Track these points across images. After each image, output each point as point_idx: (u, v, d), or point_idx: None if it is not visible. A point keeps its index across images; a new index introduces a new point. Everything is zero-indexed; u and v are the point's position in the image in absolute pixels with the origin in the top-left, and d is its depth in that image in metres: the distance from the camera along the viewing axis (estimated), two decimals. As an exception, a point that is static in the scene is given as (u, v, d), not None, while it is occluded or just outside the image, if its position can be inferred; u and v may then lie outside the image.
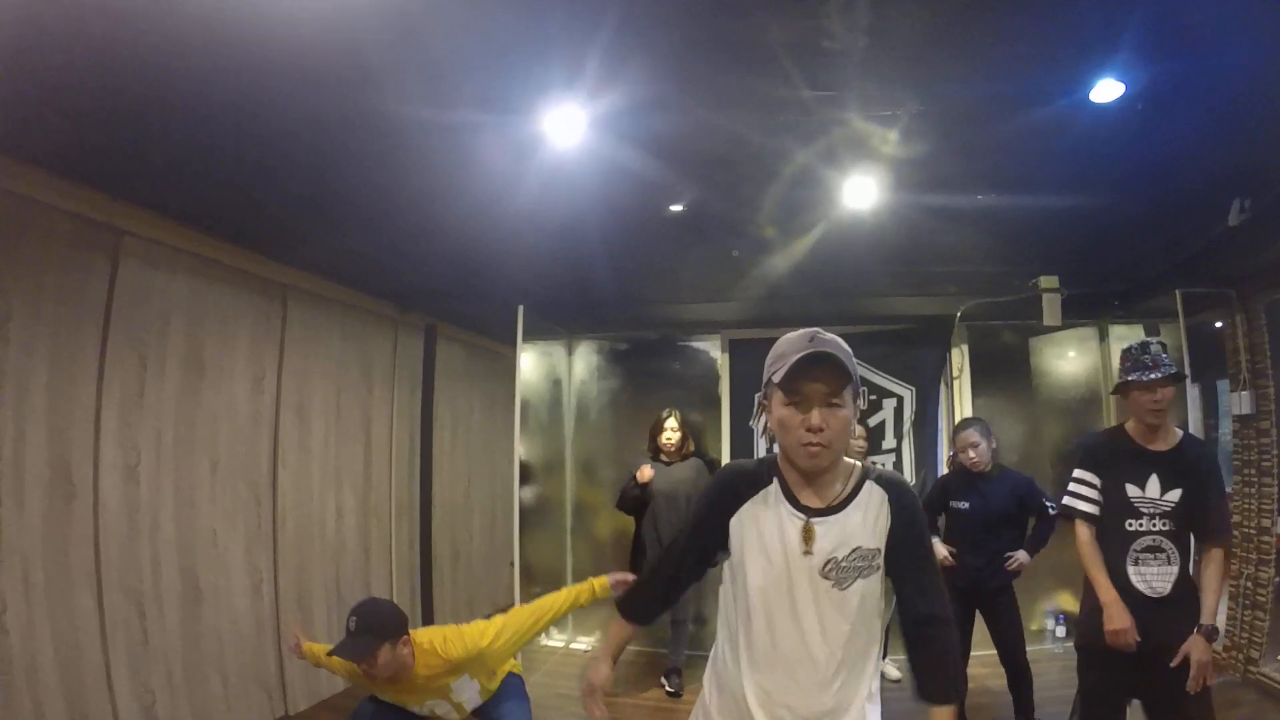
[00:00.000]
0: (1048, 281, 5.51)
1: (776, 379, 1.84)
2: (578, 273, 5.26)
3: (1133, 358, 3.12)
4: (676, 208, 4.15)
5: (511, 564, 5.46)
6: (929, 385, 6.24)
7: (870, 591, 1.90)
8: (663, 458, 5.27)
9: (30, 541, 3.31)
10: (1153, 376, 3.01)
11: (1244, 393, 5.24)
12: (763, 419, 2.02)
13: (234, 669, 4.32)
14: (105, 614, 3.61)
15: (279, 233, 4.28)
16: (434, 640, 3.23)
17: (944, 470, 5.90)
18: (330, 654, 3.20)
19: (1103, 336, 6.44)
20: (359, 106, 2.93)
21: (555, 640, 6.45)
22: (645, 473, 5.14)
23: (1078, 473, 3.22)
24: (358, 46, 2.52)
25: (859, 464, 2.00)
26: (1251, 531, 5.22)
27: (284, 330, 4.76)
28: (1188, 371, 5.10)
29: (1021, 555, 4.29)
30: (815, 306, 5.98)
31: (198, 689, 4.06)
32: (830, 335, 1.87)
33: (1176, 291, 5.25)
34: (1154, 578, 2.99)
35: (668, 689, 5.23)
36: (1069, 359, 6.49)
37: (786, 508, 1.94)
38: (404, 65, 2.70)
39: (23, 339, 3.30)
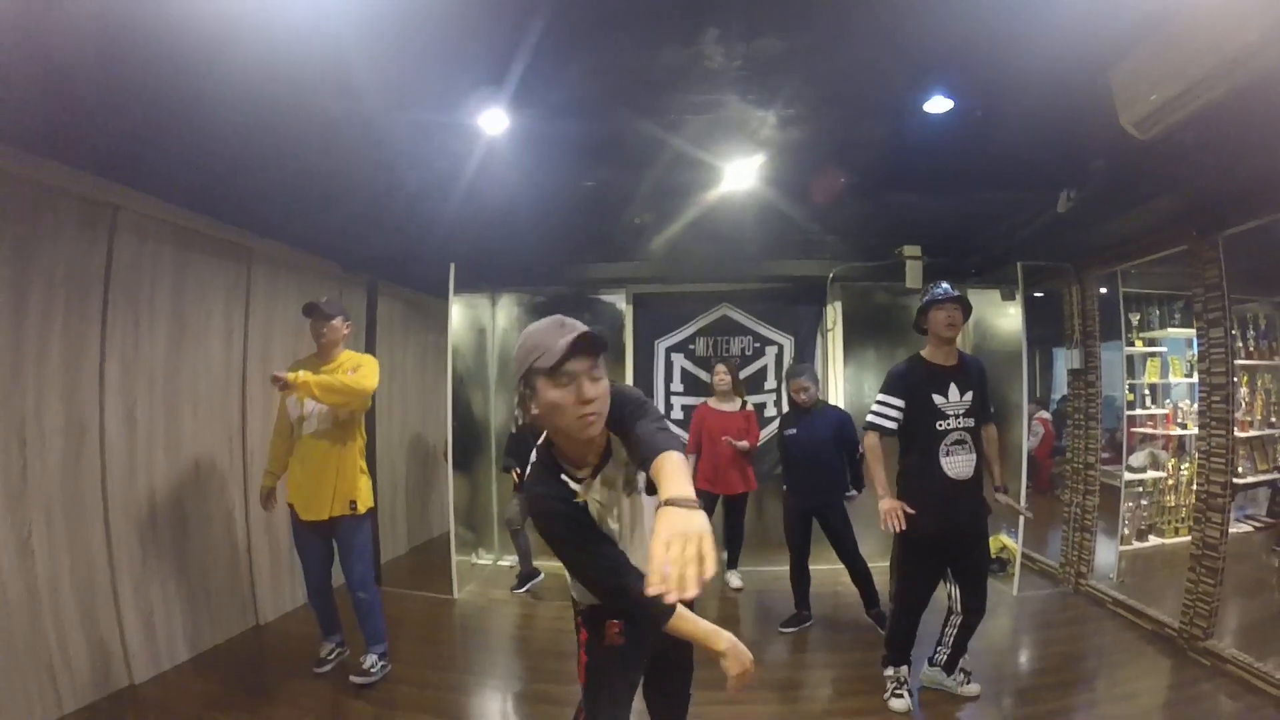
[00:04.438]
0: (910, 250, 6.38)
1: (543, 364, 1.95)
2: (503, 236, 5.87)
3: (928, 292, 4.00)
4: (589, 183, 4.85)
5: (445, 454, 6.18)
6: (806, 336, 7.09)
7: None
8: None
9: (51, 478, 3.88)
10: (944, 295, 3.91)
11: (1075, 350, 6.21)
12: (526, 410, 2.09)
13: (215, 586, 4.95)
14: (112, 539, 4.20)
15: (245, 204, 4.80)
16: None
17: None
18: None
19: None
20: (317, 103, 3.48)
21: (484, 559, 7.20)
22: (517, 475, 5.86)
23: (883, 397, 4.03)
24: (322, 55, 3.05)
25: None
26: (1080, 467, 6.19)
27: (249, 290, 5.30)
28: (1024, 335, 6.15)
29: (852, 492, 5.36)
30: (708, 266, 6.85)
31: (186, 604, 4.69)
32: (568, 320, 2.05)
33: (1018, 264, 6.12)
34: (960, 464, 3.85)
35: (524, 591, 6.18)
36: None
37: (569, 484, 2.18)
38: (357, 70, 3.24)
39: (41, 305, 3.84)
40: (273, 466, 4.57)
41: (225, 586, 5.07)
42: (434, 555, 6.59)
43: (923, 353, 4.07)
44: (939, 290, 3.96)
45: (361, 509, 4.42)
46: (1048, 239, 5.59)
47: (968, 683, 4.12)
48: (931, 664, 4.20)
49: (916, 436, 3.93)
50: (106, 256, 4.22)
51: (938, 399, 3.89)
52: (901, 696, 4.02)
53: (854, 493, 5.36)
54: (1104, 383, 6.16)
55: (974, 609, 4.01)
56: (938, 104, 3.71)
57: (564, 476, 2.18)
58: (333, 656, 4.62)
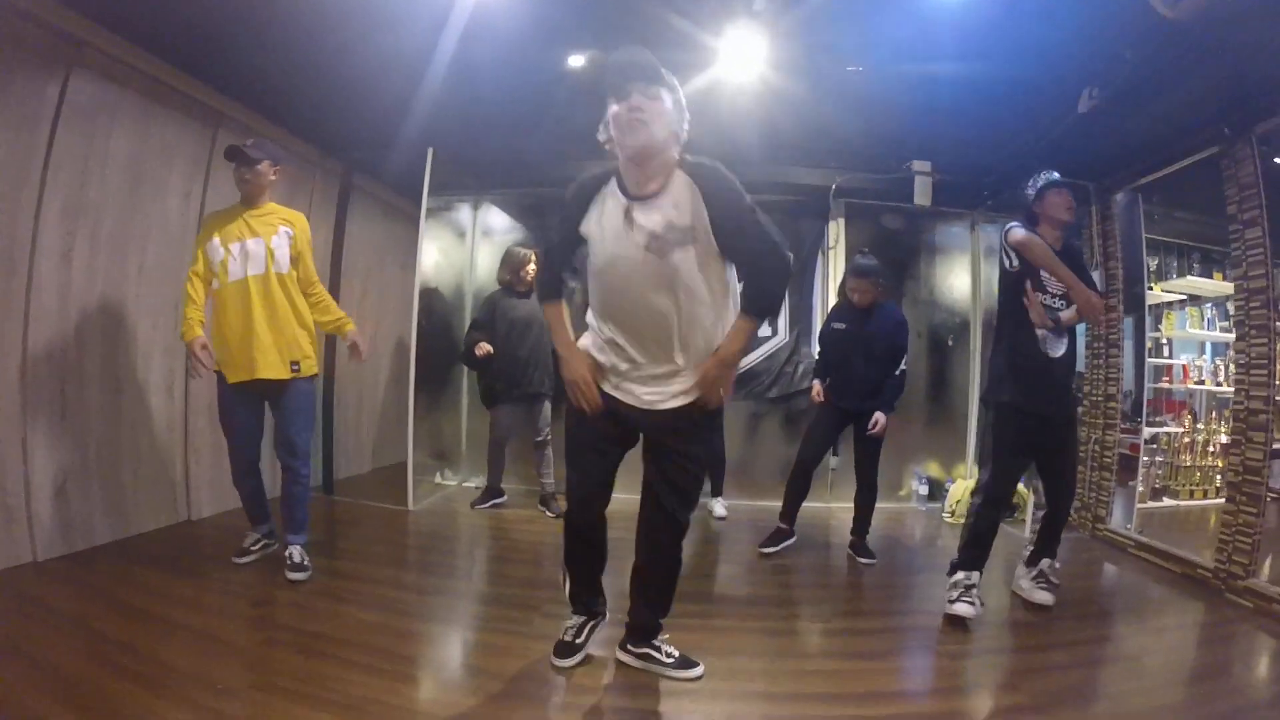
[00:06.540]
0: (920, 165, 6.12)
1: (611, 89, 2.44)
2: (484, 127, 5.58)
3: (1042, 180, 3.96)
4: (578, 61, 4.51)
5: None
6: (808, 254, 6.75)
7: (687, 260, 2.43)
8: (519, 289, 5.64)
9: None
10: (1062, 180, 3.92)
11: (1094, 273, 5.75)
12: (606, 131, 2.54)
13: (145, 468, 4.56)
14: (28, 386, 3.82)
15: (219, 63, 4.47)
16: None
17: (818, 326, 6.22)
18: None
19: (972, 228, 6.95)
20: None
21: (449, 480, 6.86)
22: (484, 348, 5.51)
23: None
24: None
25: (675, 161, 2.53)
26: (1099, 399, 5.84)
27: (212, 154, 4.88)
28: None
29: (880, 417, 4.74)
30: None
31: (110, 477, 4.30)
32: (639, 49, 2.45)
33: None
34: (1054, 343, 3.87)
35: (548, 514, 5.75)
36: (940, 244, 6.98)
37: (617, 196, 2.53)
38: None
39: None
40: (190, 311, 3.80)
41: (157, 470, 4.67)
42: (397, 476, 6.21)
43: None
44: (1054, 174, 3.95)
45: (305, 372, 3.99)
46: (1066, 155, 5.18)
47: (1039, 589, 4.07)
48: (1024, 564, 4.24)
49: (1021, 311, 3.89)
50: (60, 91, 3.88)
51: (1044, 274, 3.86)
52: (972, 603, 3.75)
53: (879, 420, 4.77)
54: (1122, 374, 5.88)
55: (1059, 497, 4.08)
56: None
57: (617, 185, 2.57)
58: (256, 548, 4.23)
